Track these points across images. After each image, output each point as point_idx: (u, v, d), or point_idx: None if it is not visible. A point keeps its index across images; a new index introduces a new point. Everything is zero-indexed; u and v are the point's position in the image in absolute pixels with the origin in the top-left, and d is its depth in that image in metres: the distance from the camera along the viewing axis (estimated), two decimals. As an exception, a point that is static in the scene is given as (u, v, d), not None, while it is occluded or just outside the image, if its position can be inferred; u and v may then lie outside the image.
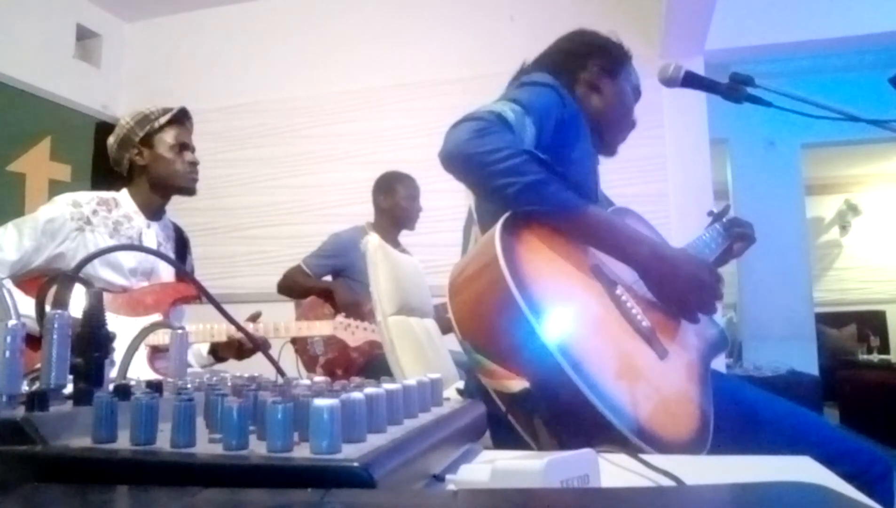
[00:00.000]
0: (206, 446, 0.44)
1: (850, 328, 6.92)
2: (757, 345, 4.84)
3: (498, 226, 0.95)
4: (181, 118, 1.85)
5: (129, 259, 1.71)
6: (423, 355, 1.53)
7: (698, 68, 3.21)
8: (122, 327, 1.43)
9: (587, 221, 1.02)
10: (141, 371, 1.52)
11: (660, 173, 3.46)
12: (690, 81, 1.29)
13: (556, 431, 0.84)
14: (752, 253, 1.56)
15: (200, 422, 0.47)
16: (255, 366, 1.00)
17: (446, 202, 2.47)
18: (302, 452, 0.42)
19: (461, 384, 1.22)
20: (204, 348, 1.86)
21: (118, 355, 0.63)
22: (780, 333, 4.79)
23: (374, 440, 0.46)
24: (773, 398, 1.18)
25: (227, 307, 0.81)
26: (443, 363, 1.66)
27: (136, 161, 1.80)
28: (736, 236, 1.45)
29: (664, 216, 3.20)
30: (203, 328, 1.74)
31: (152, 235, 1.82)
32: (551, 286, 0.95)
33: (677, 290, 1.06)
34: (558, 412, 0.83)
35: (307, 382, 0.63)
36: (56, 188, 3.68)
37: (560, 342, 0.83)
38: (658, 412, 0.88)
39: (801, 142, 5.17)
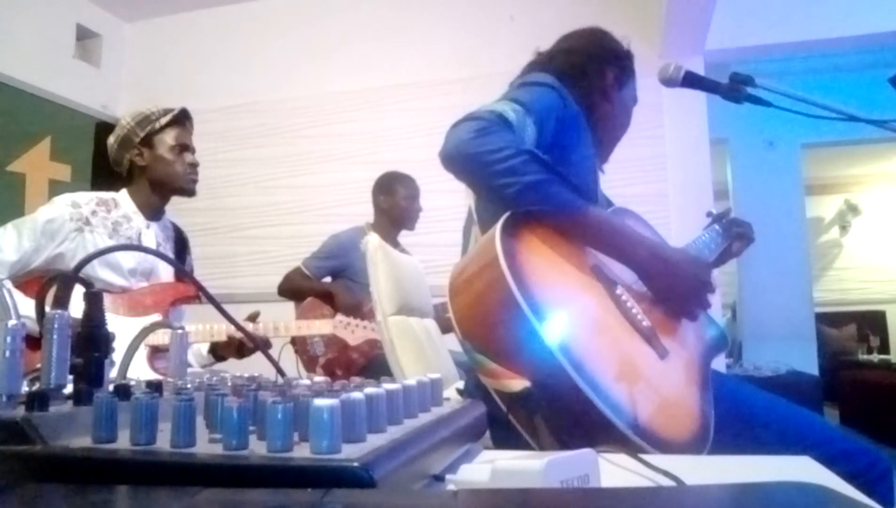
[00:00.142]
0: (206, 446, 0.44)
1: (850, 328, 6.93)
2: (757, 345, 4.84)
3: (498, 226, 0.95)
4: (182, 119, 1.85)
5: (128, 260, 1.71)
6: (423, 355, 1.53)
7: (698, 68, 3.21)
8: (121, 327, 1.43)
9: (588, 221, 1.02)
10: (141, 371, 1.52)
11: (660, 173, 3.46)
12: (690, 81, 1.29)
13: (557, 431, 0.84)
14: (752, 253, 1.56)
15: (200, 422, 0.47)
16: (255, 366, 1.00)
17: (446, 202, 2.47)
18: (302, 452, 0.42)
19: (461, 384, 1.22)
20: (204, 348, 1.86)
21: (118, 355, 0.63)
22: (780, 333, 4.79)
23: (374, 440, 0.46)
24: (773, 399, 1.18)
25: (226, 307, 0.81)
26: (443, 363, 1.66)
27: (136, 162, 1.80)
28: (735, 235, 1.45)
29: (664, 216, 3.20)
30: (203, 328, 1.75)
31: (151, 235, 1.82)
32: (552, 286, 0.95)
33: (676, 289, 1.06)
34: (559, 412, 0.83)
35: (307, 382, 0.63)
36: (56, 188, 3.68)
37: (561, 342, 0.83)
38: (658, 412, 0.88)
39: (801, 142, 5.17)
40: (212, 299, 0.80)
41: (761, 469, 0.64)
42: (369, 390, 0.50)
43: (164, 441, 0.43)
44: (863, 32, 3.56)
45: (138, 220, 1.80)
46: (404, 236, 2.93)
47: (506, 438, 0.89)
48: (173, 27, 4.32)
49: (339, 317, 2.04)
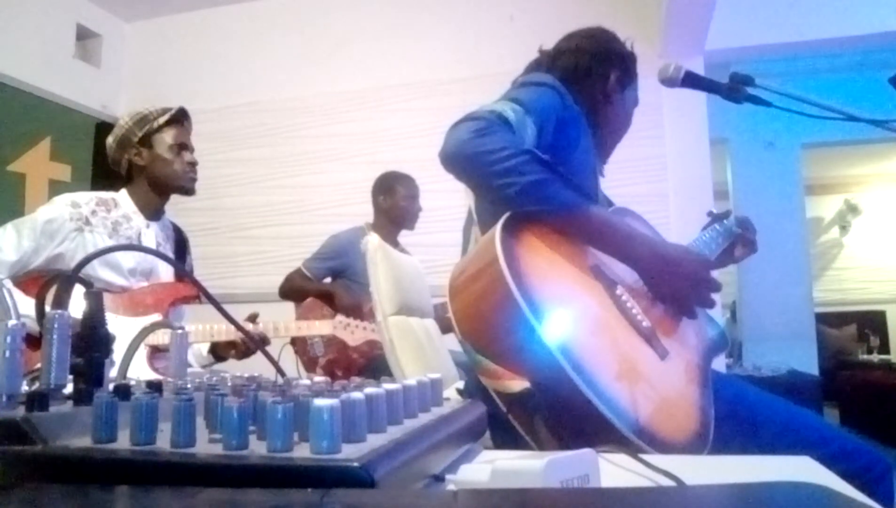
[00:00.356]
0: (206, 446, 0.44)
1: (850, 328, 6.93)
2: (757, 345, 4.84)
3: (498, 226, 0.95)
4: (180, 118, 1.85)
5: (128, 259, 1.71)
6: (423, 355, 1.53)
7: (698, 68, 3.21)
8: (122, 327, 1.43)
9: (588, 220, 1.02)
10: (141, 371, 1.52)
11: (660, 173, 3.46)
12: (690, 81, 1.29)
13: (557, 431, 0.84)
14: (753, 254, 1.56)
15: (200, 422, 0.47)
16: (255, 366, 1.00)
17: (446, 202, 2.47)
18: (302, 452, 0.42)
19: (461, 384, 1.22)
20: (204, 348, 1.86)
21: (118, 355, 0.63)
22: (780, 333, 4.79)
23: (374, 441, 0.46)
24: (773, 399, 1.18)
25: (226, 307, 0.81)
26: (443, 363, 1.66)
27: (135, 161, 1.80)
28: (740, 237, 1.45)
29: (664, 216, 3.20)
30: (203, 328, 1.75)
31: (151, 235, 1.82)
32: (552, 287, 0.95)
33: (678, 287, 1.06)
34: (559, 412, 0.83)
35: (307, 382, 0.63)
36: (56, 188, 3.68)
37: (561, 343, 0.83)
38: (658, 412, 0.88)
39: (801, 142, 5.18)
40: (212, 299, 0.80)
41: (761, 469, 0.64)
42: (369, 390, 0.50)
43: (164, 441, 0.43)
44: (863, 32, 3.56)
45: (138, 220, 1.80)
46: (404, 236, 2.93)
47: (506, 438, 0.89)
48: (173, 27, 4.32)
49: (339, 318, 2.04)
